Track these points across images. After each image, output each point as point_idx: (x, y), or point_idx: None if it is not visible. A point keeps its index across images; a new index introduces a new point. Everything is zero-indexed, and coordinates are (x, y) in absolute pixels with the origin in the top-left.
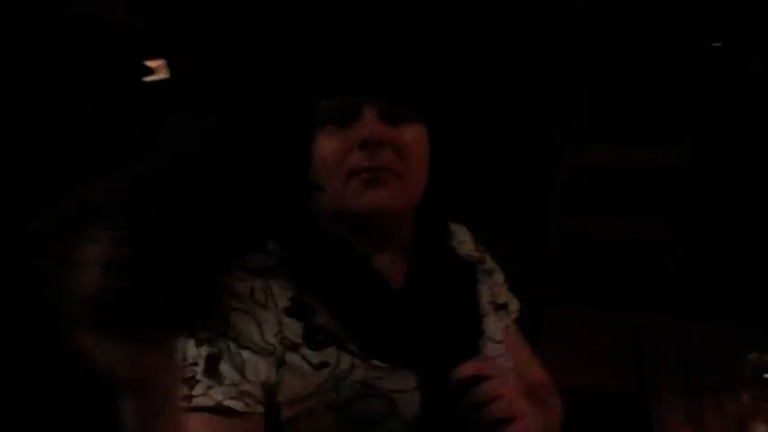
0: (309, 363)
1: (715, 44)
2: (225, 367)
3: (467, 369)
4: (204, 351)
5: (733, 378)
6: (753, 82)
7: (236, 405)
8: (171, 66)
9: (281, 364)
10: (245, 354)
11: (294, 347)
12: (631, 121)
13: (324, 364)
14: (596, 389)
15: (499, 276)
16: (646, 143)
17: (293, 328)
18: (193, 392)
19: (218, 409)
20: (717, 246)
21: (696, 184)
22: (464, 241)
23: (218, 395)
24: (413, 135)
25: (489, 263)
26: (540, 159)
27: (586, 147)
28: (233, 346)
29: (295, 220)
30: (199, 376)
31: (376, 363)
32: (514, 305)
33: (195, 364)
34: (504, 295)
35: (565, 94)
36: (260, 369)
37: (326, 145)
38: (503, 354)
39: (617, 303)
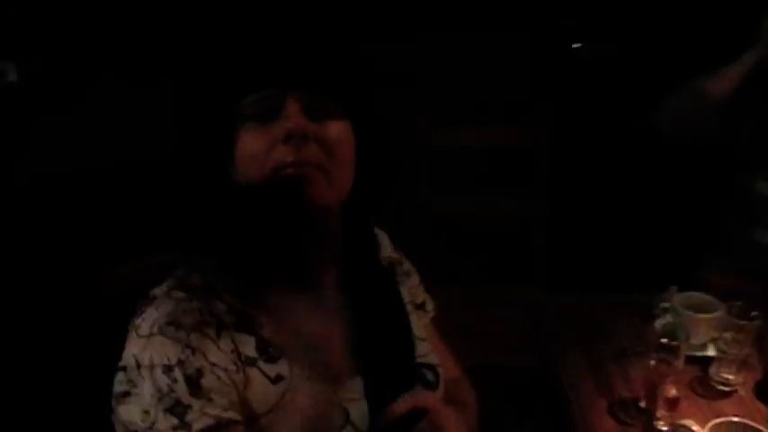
0: (267, 376)
1: (567, 23)
2: (207, 382)
3: (404, 405)
4: (179, 374)
5: (627, 345)
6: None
7: (234, 415)
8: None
9: (244, 380)
10: (217, 370)
11: (252, 362)
12: (494, 101)
13: (280, 377)
14: (499, 366)
15: (416, 278)
16: (509, 122)
17: (246, 343)
18: (188, 418)
19: (221, 424)
20: (578, 221)
21: (557, 160)
22: (382, 244)
23: (214, 410)
24: (338, 131)
25: (406, 264)
26: (404, 144)
27: (450, 129)
28: (205, 363)
29: (221, 228)
30: (185, 400)
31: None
32: (431, 305)
33: (173, 391)
34: (422, 295)
35: (427, 77)
36: (232, 386)
37: (249, 141)
38: (430, 351)
39: (486, 281)
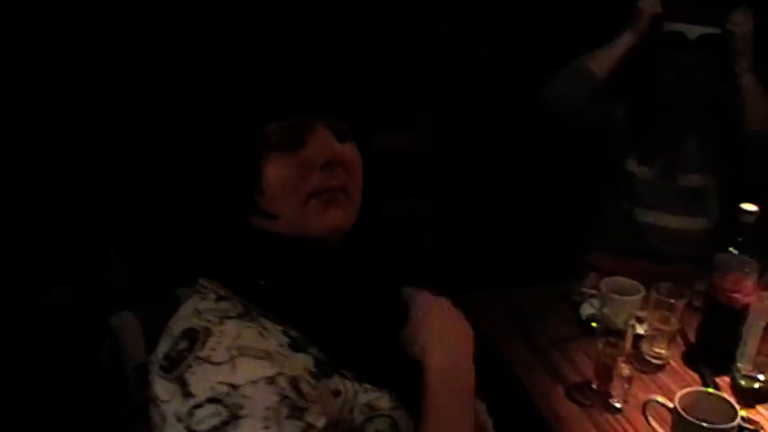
0: (331, 391)
1: (441, 26)
2: (304, 388)
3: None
4: (283, 382)
5: (563, 332)
6: (480, 64)
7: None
8: None
9: (318, 393)
10: (304, 380)
11: (317, 378)
12: (376, 106)
13: (338, 392)
14: None
15: None
16: (390, 127)
17: (305, 362)
18: (309, 419)
19: (331, 423)
20: (463, 221)
21: (438, 162)
22: None
23: (321, 410)
24: (353, 153)
25: None
26: None
27: None
28: (295, 372)
29: (256, 255)
30: (300, 403)
31: (367, 386)
32: None
33: (285, 397)
34: None
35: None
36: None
37: (281, 169)
38: None
39: None
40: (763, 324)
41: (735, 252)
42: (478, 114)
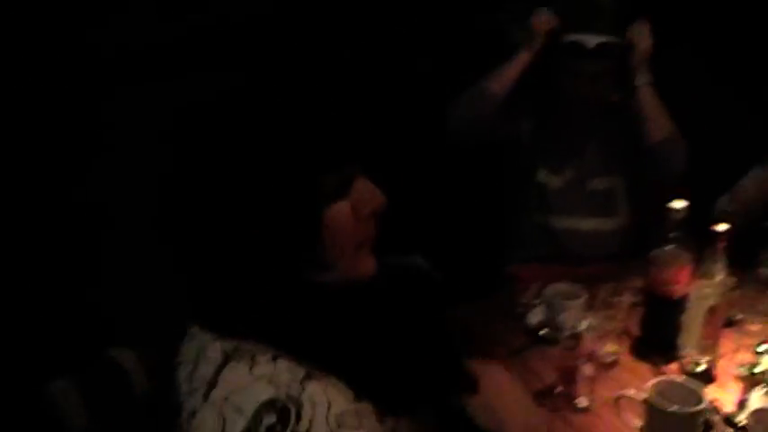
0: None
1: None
2: None
3: None
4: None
5: (515, 343)
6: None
7: None
8: None
9: None
10: None
11: (382, 422)
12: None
13: (395, 430)
14: None
15: None
16: None
17: (369, 408)
18: None
19: None
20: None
21: None
22: None
23: None
24: None
25: None
26: None
27: None
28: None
29: (311, 307)
30: None
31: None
32: None
33: None
34: None
35: None
36: None
37: (338, 219)
38: None
39: None
40: (702, 311)
41: (670, 247)
42: (385, 140)
